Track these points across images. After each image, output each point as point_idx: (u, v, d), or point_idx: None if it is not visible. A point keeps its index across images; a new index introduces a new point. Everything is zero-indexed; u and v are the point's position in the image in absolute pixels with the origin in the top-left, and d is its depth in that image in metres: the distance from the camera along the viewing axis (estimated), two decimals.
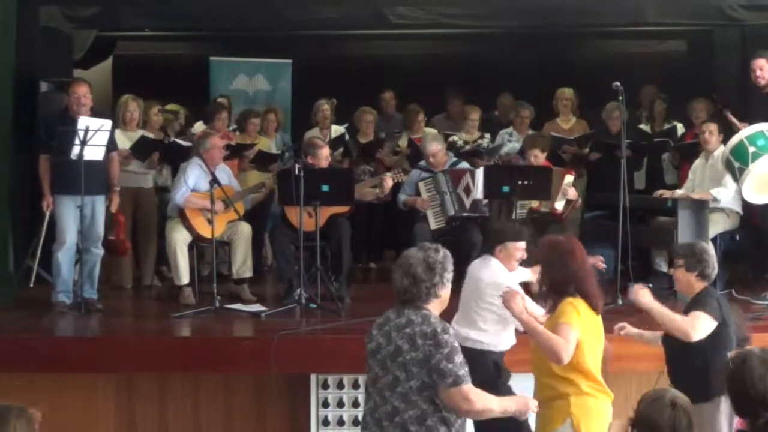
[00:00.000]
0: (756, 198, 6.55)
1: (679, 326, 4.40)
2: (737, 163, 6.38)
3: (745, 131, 6.46)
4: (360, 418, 5.77)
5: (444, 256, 3.75)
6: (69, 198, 6.64)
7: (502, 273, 4.93)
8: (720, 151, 6.93)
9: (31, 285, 7.20)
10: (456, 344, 3.62)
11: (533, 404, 3.81)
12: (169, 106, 8.25)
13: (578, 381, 3.99)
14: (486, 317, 4.90)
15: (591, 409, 4.01)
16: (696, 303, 4.54)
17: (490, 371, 4.85)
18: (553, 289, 4.07)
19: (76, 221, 6.66)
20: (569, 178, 7.37)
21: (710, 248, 4.86)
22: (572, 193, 7.34)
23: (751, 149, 6.33)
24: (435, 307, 3.75)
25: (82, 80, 6.92)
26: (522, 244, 5.01)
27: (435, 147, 7.51)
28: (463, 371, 3.57)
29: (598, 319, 4.10)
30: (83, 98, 6.67)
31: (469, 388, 3.57)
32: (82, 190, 6.49)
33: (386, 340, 3.70)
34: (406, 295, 3.69)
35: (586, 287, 4.03)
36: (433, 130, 8.43)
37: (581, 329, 3.96)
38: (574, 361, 3.97)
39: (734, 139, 6.47)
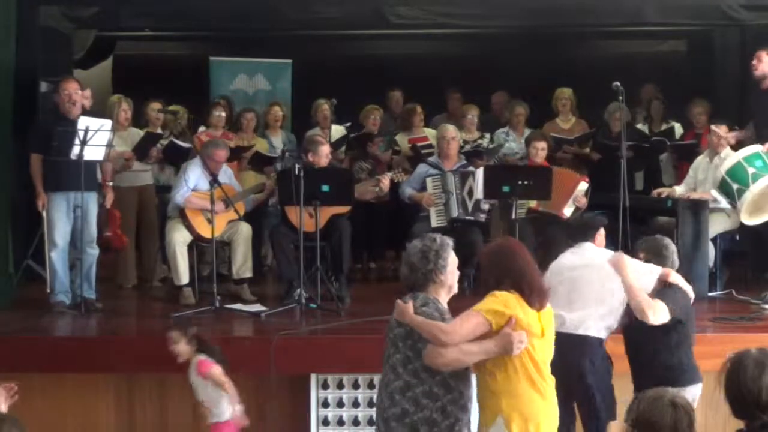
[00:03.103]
0: (745, 220, 6.60)
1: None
2: (735, 185, 6.38)
3: (742, 153, 6.48)
4: (360, 418, 5.82)
5: (440, 244, 3.97)
6: (60, 196, 6.63)
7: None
8: (727, 152, 6.93)
9: (48, 290, 7.15)
10: (435, 314, 3.85)
11: (519, 336, 3.76)
12: (171, 107, 8.27)
13: (510, 378, 3.84)
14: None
15: (524, 407, 3.83)
16: (661, 294, 4.73)
17: (606, 360, 4.92)
18: (487, 286, 3.98)
19: (68, 220, 6.66)
20: (583, 185, 7.33)
21: (672, 245, 5.02)
22: (583, 202, 7.32)
23: (751, 170, 6.33)
24: (438, 293, 3.97)
25: (72, 78, 6.86)
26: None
27: (453, 131, 7.64)
28: None
29: (539, 314, 3.92)
30: (74, 95, 6.62)
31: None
32: (82, 188, 6.49)
33: (390, 322, 4.02)
34: (407, 282, 4.00)
35: (523, 283, 3.89)
36: (433, 131, 8.43)
37: (505, 320, 3.82)
38: (504, 357, 3.84)
39: (731, 161, 6.47)
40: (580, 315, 4.82)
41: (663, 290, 4.80)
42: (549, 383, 3.93)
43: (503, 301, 3.85)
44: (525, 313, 3.85)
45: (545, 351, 3.93)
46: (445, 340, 3.77)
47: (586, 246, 5.06)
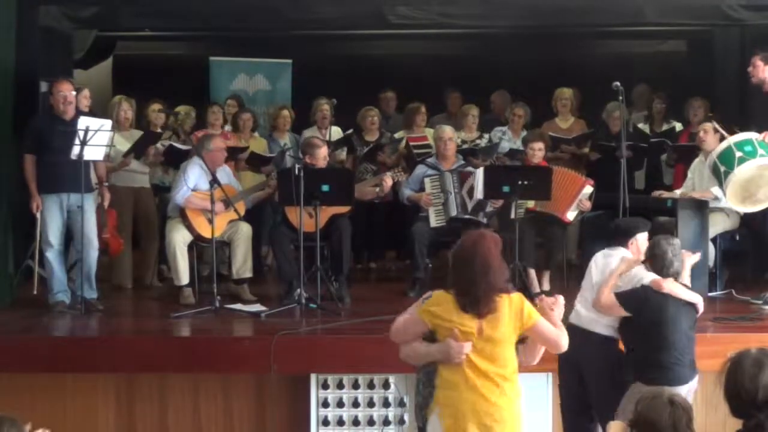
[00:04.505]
0: (737, 206, 6.58)
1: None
2: (723, 167, 6.39)
3: (734, 138, 6.49)
4: (360, 418, 5.83)
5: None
6: (55, 197, 6.63)
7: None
8: (716, 149, 6.94)
9: (35, 291, 7.15)
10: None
11: (460, 347, 3.85)
12: (178, 108, 8.28)
13: (448, 374, 3.93)
14: None
15: (453, 401, 3.90)
16: (623, 293, 4.89)
17: (619, 358, 5.00)
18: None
19: (61, 221, 6.66)
20: (588, 189, 7.23)
21: (663, 245, 4.95)
22: (587, 205, 7.26)
23: (738, 154, 6.34)
24: None
25: (65, 79, 6.84)
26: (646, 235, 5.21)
27: (450, 132, 7.63)
28: None
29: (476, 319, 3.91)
30: (69, 96, 6.60)
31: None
32: (82, 189, 6.49)
33: None
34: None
35: (465, 296, 3.89)
36: (431, 130, 8.43)
37: (439, 321, 3.92)
38: None
39: (722, 145, 6.49)
40: (593, 315, 5.00)
41: (627, 292, 4.88)
42: (498, 382, 3.89)
43: (436, 302, 3.98)
44: (458, 315, 3.90)
45: (485, 350, 3.89)
46: (391, 337, 4.16)
47: (619, 251, 5.15)
